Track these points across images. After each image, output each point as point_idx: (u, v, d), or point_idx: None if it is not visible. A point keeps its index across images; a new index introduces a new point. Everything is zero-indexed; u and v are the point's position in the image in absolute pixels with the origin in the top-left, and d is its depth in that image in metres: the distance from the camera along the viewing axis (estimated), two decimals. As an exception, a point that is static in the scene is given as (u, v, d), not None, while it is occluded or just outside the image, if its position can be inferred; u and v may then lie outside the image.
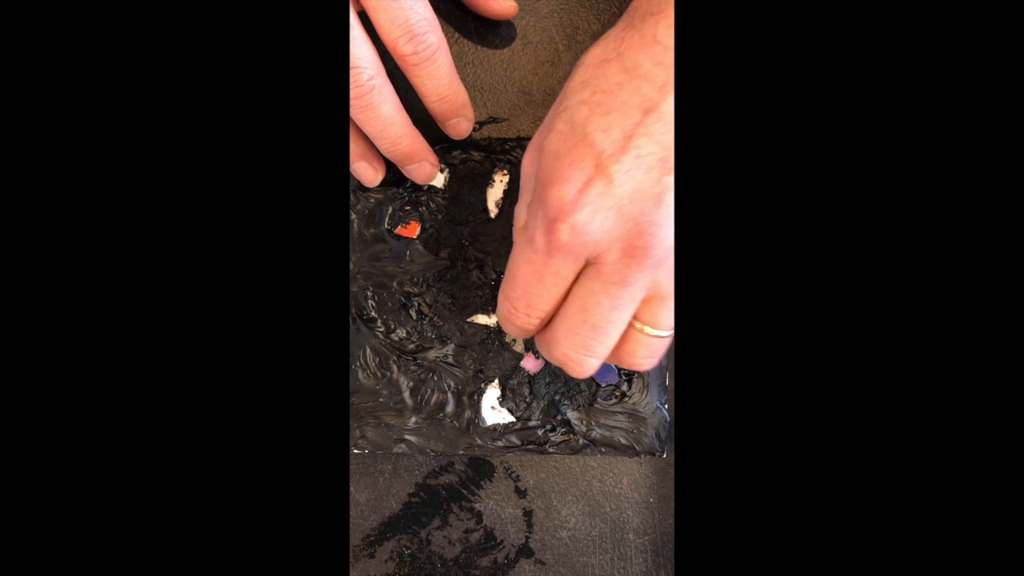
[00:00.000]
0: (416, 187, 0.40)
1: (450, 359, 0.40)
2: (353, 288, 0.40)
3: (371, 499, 0.40)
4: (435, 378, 0.40)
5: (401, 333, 0.40)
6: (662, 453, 0.40)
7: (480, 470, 0.40)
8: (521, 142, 0.40)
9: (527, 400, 0.40)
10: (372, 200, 0.40)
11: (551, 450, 0.40)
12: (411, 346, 0.40)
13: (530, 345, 0.40)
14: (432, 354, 0.40)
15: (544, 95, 0.40)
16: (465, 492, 0.40)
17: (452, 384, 0.40)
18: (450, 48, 0.36)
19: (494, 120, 0.41)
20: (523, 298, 0.31)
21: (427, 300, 0.40)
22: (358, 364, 0.40)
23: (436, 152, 0.39)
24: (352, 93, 0.33)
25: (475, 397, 0.40)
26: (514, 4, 0.39)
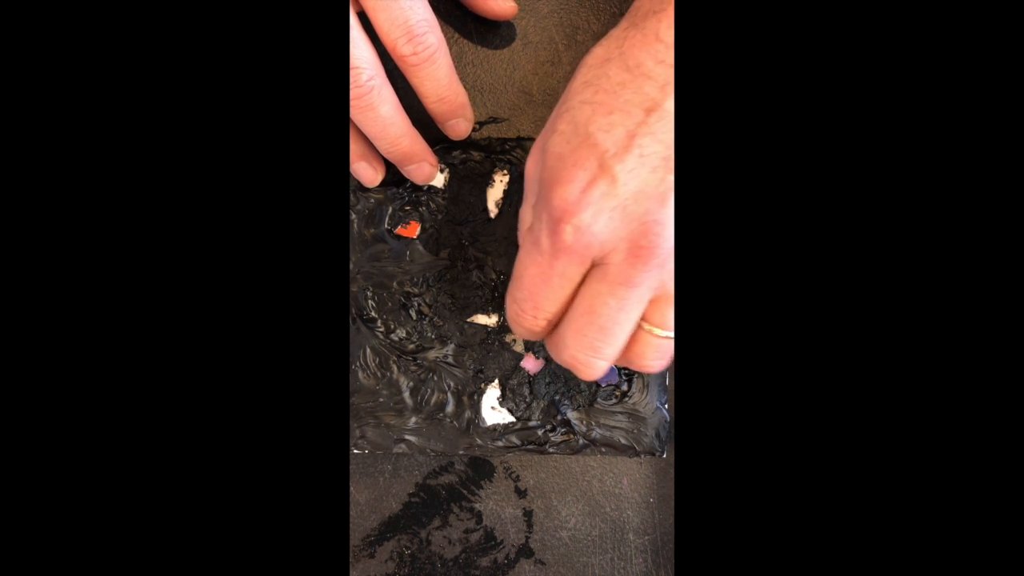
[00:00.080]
0: (416, 187, 0.40)
1: (450, 359, 0.40)
2: (353, 288, 0.40)
3: (371, 499, 0.40)
4: (435, 378, 0.40)
5: (401, 333, 0.40)
6: (662, 453, 0.40)
7: (480, 470, 0.40)
8: (521, 142, 0.40)
9: (527, 400, 0.40)
10: (372, 200, 0.40)
11: (551, 450, 0.40)
12: (411, 346, 0.40)
13: (530, 345, 0.40)
14: (432, 354, 0.40)
15: (544, 95, 0.40)
16: (465, 492, 0.40)
17: (452, 384, 0.40)
18: (450, 48, 0.36)
19: (494, 120, 0.41)
20: (530, 300, 0.31)
21: (427, 300, 0.40)
22: (358, 364, 0.40)
23: (436, 152, 0.39)
24: (352, 93, 0.33)
25: (475, 397, 0.40)
26: (514, 4, 0.39)
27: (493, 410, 0.40)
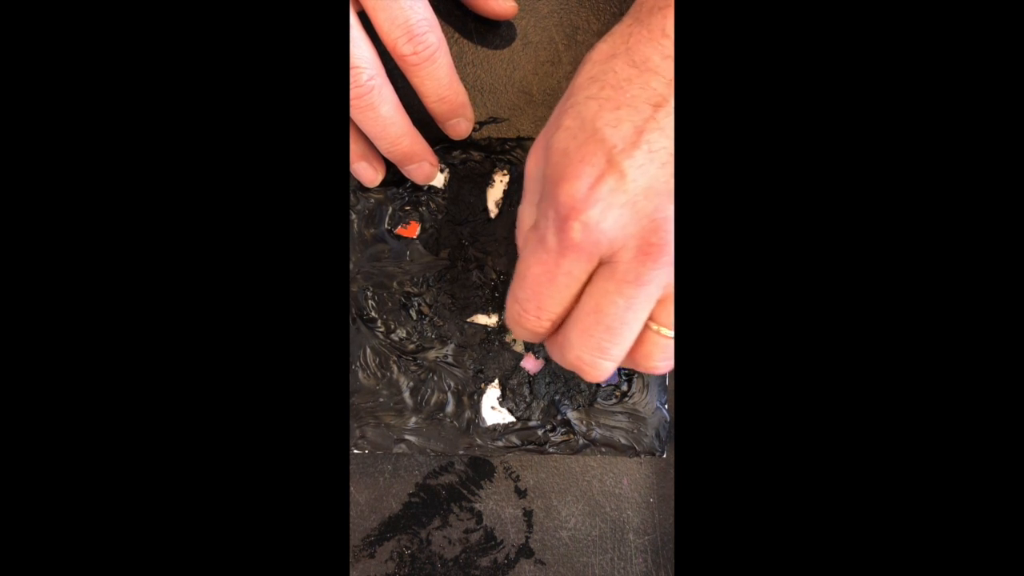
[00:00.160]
0: (416, 187, 0.40)
1: (450, 359, 0.40)
2: (353, 288, 0.40)
3: (371, 499, 0.40)
4: (435, 378, 0.40)
5: (401, 333, 0.40)
6: (662, 453, 0.40)
7: (480, 470, 0.40)
8: (521, 142, 0.40)
9: (527, 400, 0.40)
10: (372, 200, 0.40)
11: (551, 450, 0.40)
12: (411, 346, 0.40)
13: (530, 345, 0.40)
14: (432, 354, 0.40)
15: (544, 95, 0.40)
16: (465, 492, 0.40)
17: (452, 384, 0.40)
18: (450, 48, 0.36)
19: (494, 120, 0.41)
20: (533, 300, 0.31)
21: (427, 300, 0.40)
22: (358, 364, 0.40)
23: (436, 152, 0.39)
24: (352, 93, 0.33)
25: (475, 397, 0.40)
26: (514, 4, 0.39)
27: (493, 410, 0.40)
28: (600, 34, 0.33)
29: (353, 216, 0.40)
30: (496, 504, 0.40)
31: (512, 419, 0.40)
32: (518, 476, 0.40)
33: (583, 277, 0.30)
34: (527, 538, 0.40)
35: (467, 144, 0.40)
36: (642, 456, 0.40)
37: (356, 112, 0.34)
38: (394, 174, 0.39)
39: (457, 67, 0.36)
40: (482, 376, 0.40)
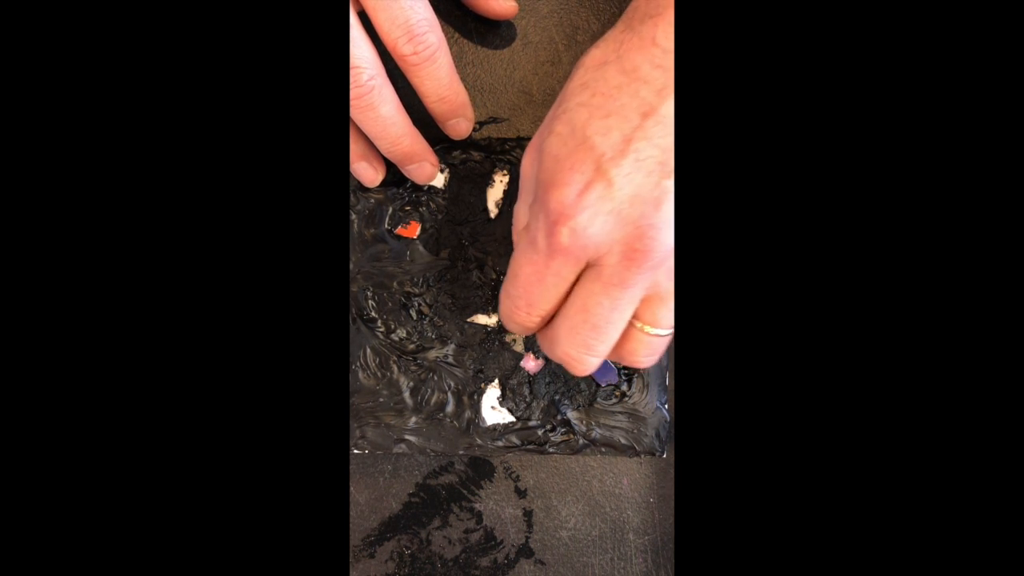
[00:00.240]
0: (416, 187, 0.40)
1: (450, 359, 0.40)
2: (353, 288, 0.40)
3: (371, 499, 0.40)
4: (435, 378, 0.40)
5: (401, 333, 0.40)
6: (662, 453, 0.40)
7: (480, 470, 0.40)
8: (521, 142, 0.40)
9: (527, 400, 0.40)
10: (372, 200, 0.40)
11: (551, 450, 0.40)
12: (411, 346, 0.40)
13: (530, 345, 0.40)
14: (432, 354, 0.40)
15: (544, 95, 0.40)
16: (465, 492, 0.40)
17: (452, 384, 0.40)
18: (450, 48, 0.36)
19: (494, 120, 0.41)
20: (524, 297, 0.32)
21: (427, 300, 0.40)
22: (358, 364, 0.40)
23: (436, 152, 0.39)
24: (352, 93, 0.33)
25: (475, 397, 0.40)
26: (514, 4, 0.39)
27: (493, 410, 0.40)
28: (599, 35, 0.33)
29: (353, 216, 0.40)
30: (496, 504, 0.40)
31: (512, 419, 0.40)
32: (518, 476, 0.40)
33: (571, 278, 0.31)
34: (527, 538, 0.40)
35: (467, 144, 0.40)
36: (642, 456, 0.40)
37: (356, 112, 0.34)
38: (394, 174, 0.39)
39: (457, 67, 0.36)
40: (482, 376, 0.40)
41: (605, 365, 0.38)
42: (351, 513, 0.40)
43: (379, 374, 0.40)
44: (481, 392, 0.40)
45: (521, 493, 0.40)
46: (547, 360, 0.40)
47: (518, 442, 0.40)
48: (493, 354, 0.40)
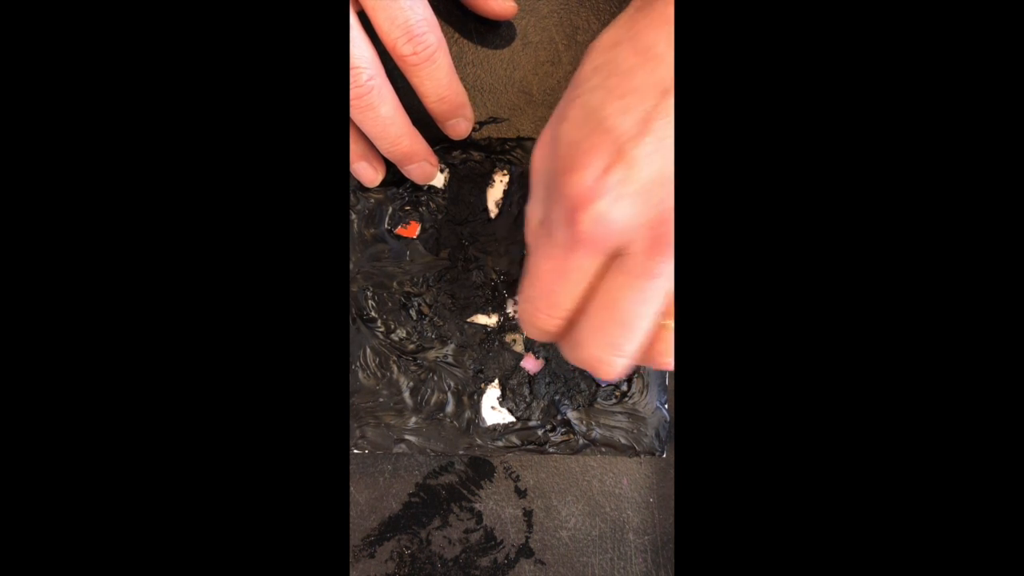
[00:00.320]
0: (416, 187, 0.40)
1: (450, 359, 0.40)
2: (353, 288, 0.40)
3: (371, 499, 0.40)
4: (435, 378, 0.40)
5: (401, 333, 0.40)
6: (662, 453, 0.40)
7: (480, 470, 0.40)
8: (521, 142, 0.40)
9: (527, 400, 0.40)
10: (372, 200, 0.40)
11: (551, 450, 0.40)
12: (411, 346, 0.40)
13: (530, 345, 0.40)
14: (432, 354, 0.40)
15: (544, 95, 0.40)
16: (465, 492, 0.40)
17: (452, 384, 0.40)
18: (450, 48, 0.36)
19: (494, 120, 0.41)
20: (545, 297, 0.30)
21: (427, 300, 0.40)
22: (358, 364, 0.40)
23: (436, 152, 0.39)
24: (352, 93, 0.33)
25: (475, 397, 0.40)
26: (514, 4, 0.39)
27: (493, 410, 0.40)
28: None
29: (353, 216, 0.40)
30: (496, 504, 0.40)
31: (512, 419, 0.40)
32: (518, 476, 0.40)
33: (594, 271, 0.29)
34: (527, 538, 0.40)
35: (467, 144, 0.40)
36: (642, 456, 0.40)
37: (356, 112, 0.34)
38: (394, 174, 0.39)
39: (457, 67, 0.36)
40: (482, 376, 0.40)
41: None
42: (351, 513, 0.40)
43: (379, 374, 0.40)
44: (481, 392, 0.40)
45: (521, 493, 0.40)
46: (547, 360, 0.40)
47: (518, 442, 0.40)
48: (493, 354, 0.40)
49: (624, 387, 0.40)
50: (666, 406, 0.40)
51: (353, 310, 0.40)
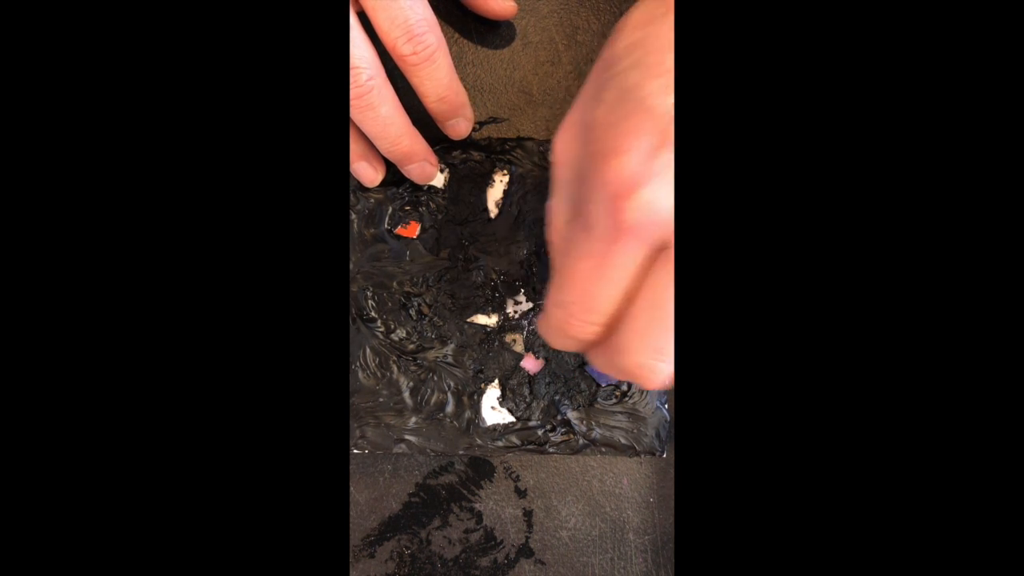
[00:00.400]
0: (416, 187, 0.40)
1: (450, 359, 0.40)
2: (353, 288, 0.40)
3: (371, 499, 0.40)
4: (435, 378, 0.40)
5: (401, 333, 0.40)
6: (662, 453, 0.40)
7: (480, 470, 0.40)
8: (521, 142, 0.40)
9: (527, 400, 0.40)
10: (372, 200, 0.40)
11: (551, 450, 0.40)
12: (411, 346, 0.40)
13: (530, 345, 0.40)
14: (432, 354, 0.40)
15: (544, 95, 0.40)
16: (465, 492, 0.40)
17: (452, 384, 0.40)
18: (450, 48, 0.36)
19: (494, 120, 0.41)
20: (581, 301, 0.27)
21: (427, 300, 0.40)
22: (358, 364, 0.40)
23: (436, 152, 0.39)
24: (352, 93, 0.33)
25: (475, 397, 0.40)
26: (514, 4, 0.39)
27: (493, 410, 0.40)
28: (600, 34, 0.33)
29: (353, 216, 0.40)
30: (496, 504, 0.40)
31: (512, 419, 0.40)
32: (518, 476, 0.40)
33: (636, 269, 0.26)
34: (527, 538, 0.40)
35: (467, 144, 0.40)
36: (642, 456, 0.40)
37: (356, 112, 0.34)
38: (394, 174, 0.39)
39: (457, 67, 0.36)
40: (482, 376, 0.40)
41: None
42: (351, 513, 0.40)
43: (379, 374, 0.40)
44: (481, 392, 0.40)
45: (521, 493, 0.40)
46: (547, 360, 0.40)
47: (518, 442, 0.40)
48: (493, 354, 0.40)
49: (624, 387, 0.40)
50: (666, 406, 0.40)
51: (353, 310, 0.40)
